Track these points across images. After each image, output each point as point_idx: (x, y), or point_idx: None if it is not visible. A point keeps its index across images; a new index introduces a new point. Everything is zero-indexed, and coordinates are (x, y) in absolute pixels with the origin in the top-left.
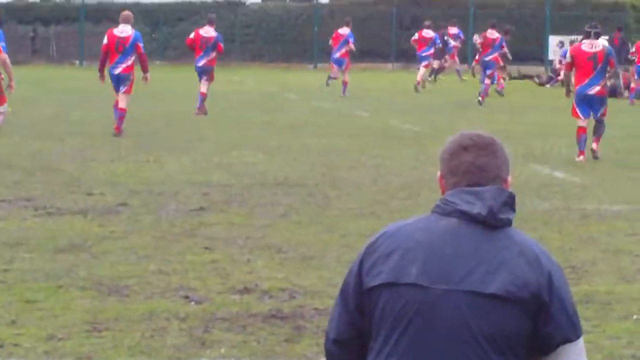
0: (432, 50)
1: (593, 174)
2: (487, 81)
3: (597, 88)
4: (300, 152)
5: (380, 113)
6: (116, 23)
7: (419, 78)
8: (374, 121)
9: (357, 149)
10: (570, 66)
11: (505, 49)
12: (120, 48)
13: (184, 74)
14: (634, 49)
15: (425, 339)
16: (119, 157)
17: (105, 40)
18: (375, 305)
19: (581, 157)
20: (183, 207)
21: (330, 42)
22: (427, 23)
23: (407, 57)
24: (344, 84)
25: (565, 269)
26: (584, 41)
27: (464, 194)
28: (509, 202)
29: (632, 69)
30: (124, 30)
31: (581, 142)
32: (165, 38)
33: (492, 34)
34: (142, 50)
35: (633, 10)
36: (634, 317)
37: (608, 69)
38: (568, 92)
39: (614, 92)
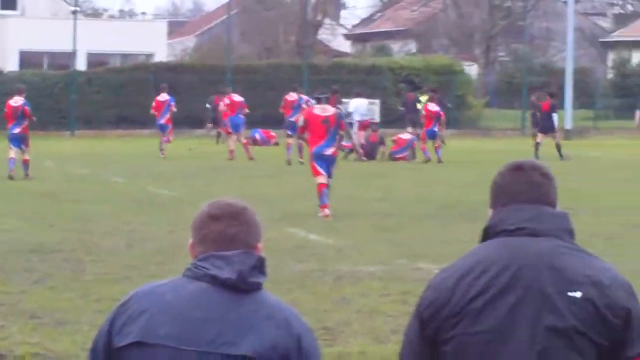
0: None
1: (348, 236)
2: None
3: (332, 149)
4: (56, 219)
5: (137, 179)
6: None
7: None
8: (130, 187)
9: (113, 214)
10: (304, 129)
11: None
12: None
13: None
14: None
15: None
16: None
17: None
18: None
19: (325, 211)
20: None
21: (152, 111)
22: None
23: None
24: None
25: (319, 330)
26: (316, 106)
27: (213, 259)
28: (258, 266)
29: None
30: None
31: (323, 197)
32: None
33: (292, 95)
34: None
35: (390, 72)
36: None
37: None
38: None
39: (373, 154)
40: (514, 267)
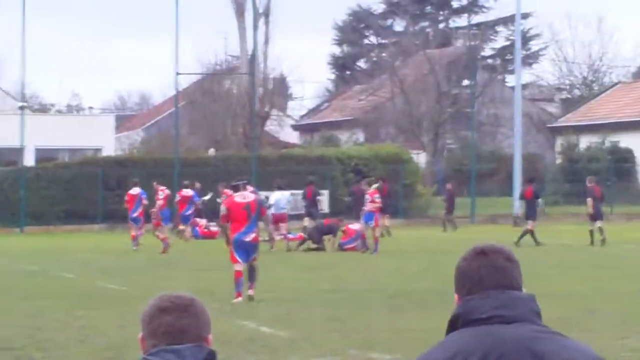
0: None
1: (299, 327)
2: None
3: (253, 235)
4: (7, 315)
5: (87, 274)
6: None
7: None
8: (80, 282)
9: (64, 310)
10: (226, 218)
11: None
12: None
13: None
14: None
15: None
16: None
17: None
18: None
19: (239, 299)
20: None
21: (125, 205)
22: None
23: (114, 218)
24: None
25: None
26: (236, 194)
27: (164, 352)
28: (210, 359)
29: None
30: None
31: (238, 285)
32: None
33: (187, 192)
34: None
35: (338, 162)
36: None
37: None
38: (228, 242)
39: (319, 243)
40: (495, 354)
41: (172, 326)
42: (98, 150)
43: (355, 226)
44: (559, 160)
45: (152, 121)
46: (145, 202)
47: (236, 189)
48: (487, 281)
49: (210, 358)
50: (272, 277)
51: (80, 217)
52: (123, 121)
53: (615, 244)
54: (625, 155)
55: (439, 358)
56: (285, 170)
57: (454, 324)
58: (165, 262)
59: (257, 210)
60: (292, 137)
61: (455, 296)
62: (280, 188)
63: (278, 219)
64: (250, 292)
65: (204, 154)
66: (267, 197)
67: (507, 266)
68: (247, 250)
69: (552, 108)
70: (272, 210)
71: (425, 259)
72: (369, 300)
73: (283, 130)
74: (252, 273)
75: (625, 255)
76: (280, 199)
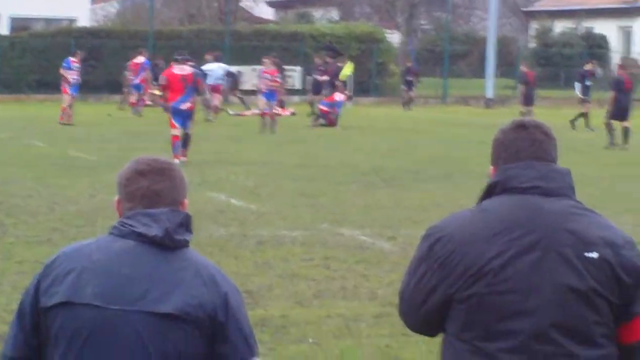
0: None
1: (270, 201)
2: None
3: (188, 104)
4: None
5: (58, 143)
6: None
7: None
8: (51, 151)
9: (34, 177)
10: (165, 87)
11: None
12: None
13: None
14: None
15: (101, 358)
16: None
17: None
18: (51, 325)
19: (176, 161)
20: None
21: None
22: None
23: (86, 88)
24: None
25: (242, 294)
26: (175, 66)
27: (140, 217)
28: (185, 224)
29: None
30: None
31: (175, 148)
32: None
33: (139, 59)
34: None
35: (312, 39)
36: (310, 340)
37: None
38: (167, 109)
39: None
40: (532, 228)
41: (149, 189)
42: (73, 20)
43: (339, 96)
44: (532, 45)
45: None
46: (147, 71)
47: (177, 62)
48: (523, 153)
49: (185, 222)
50: (242, 151)
51: (53, 87)
52: None
53: (583, 129)
54: (599, 42)
55: (475, 224)
56: (258, 45)
57: (491, 191)
58: (136, 134)
59: (193, 82)
60: (266, 13)
61: (491, 168)
62: (217, 59)
63: (212, 90)
64: (183, 158)
65: (177, 27)
66: (239, 72)
67: (544, 140)
68: (183, 117)
69: None
70: (209, 81)
71: (397, 138)
72: (340, 176)
73: (257, 6)
74: (185, 140)
75: (591, 140)
76: (215, 69)
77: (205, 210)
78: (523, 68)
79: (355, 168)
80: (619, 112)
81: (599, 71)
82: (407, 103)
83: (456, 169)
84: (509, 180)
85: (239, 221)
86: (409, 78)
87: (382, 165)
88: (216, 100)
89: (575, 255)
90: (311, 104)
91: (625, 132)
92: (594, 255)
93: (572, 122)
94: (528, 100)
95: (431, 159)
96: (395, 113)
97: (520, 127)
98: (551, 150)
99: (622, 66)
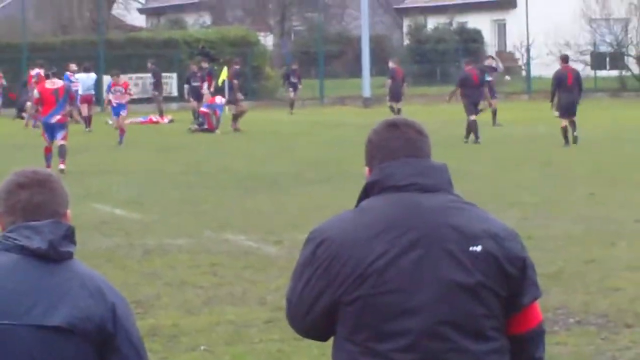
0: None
1: (154, 210)
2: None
3: (59, 117)
4: None
5: None
6: None
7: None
8: None
9: None
10: (38, 100)
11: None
12: None
13: None
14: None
15: None
16: None
17: None
18: None
19: (49, 170)
20: None
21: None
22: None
23: None
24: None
25: (129, 304)
26: (47, 80)
27: (22, 229)
28: (69, 235)
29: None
30: None
31: (47, 159)
32: None
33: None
34: None
35: (186, 45)
36: (201, 348)
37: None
38: (35, 124)
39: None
40: (412, 225)
41: (30, 201)
42: None
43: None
44: (406, 42)
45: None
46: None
47: (48, 77)
48: (398, 152)
49: (69, 234)
50: (123, 160)
51: None
52: None
53: (458, 122)
54: (474, 36)
55: (356, 225)
56: (132, 53)
57: (369, 191)
58: (16, 146)
59: (65, 95)
60: (138, 20)
61: (366, 169)
62: (86, 70)
63: (83, 100)
64: (62, 166)
65: (51, 39)
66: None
67: (417, 138)
68: (53, 130)
69: None
70: (80, 92)
71: (275, 142)
72: (222, 182)
73: (130, 14)
74: (61, 150)
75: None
76: (84, 80)
77: (89, 221)
78: (392, 64)
79: (236, 173)
80: (472, 106)
81: (500, 66)
82: (292, 105)
83: (336, 171)
84: (386, 179)
85: (124, 231)
86: (294, 80)
87: (262, 169)
88: (85, 110)
89: (459, 250)
90: (193, 111)
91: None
92: (478, 248)
93: (494, 121)
94: (396, 96)
95: (310, 161)
96: (273, 116)
97: (392, 126)
98: (425, 147)
99: (468, 62)
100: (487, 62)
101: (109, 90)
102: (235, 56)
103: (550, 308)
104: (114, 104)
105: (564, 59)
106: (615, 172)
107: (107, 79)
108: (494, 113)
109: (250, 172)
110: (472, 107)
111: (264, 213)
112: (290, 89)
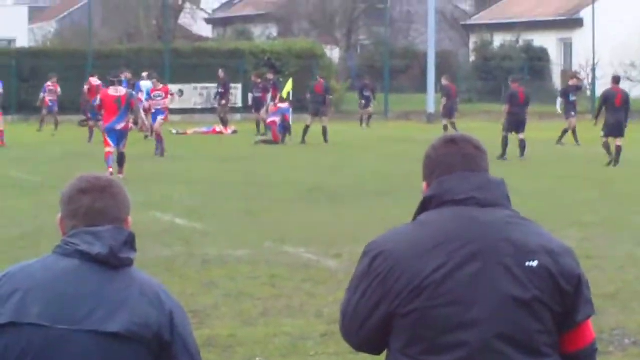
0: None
1: (215, 220)
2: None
3: (123, 124)
4: None
5: (1, 164)
6: None
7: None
8: None
9: None
10: (100, 107)
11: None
12: None
13: None
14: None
15: None
16: None
17: None
18: None
19: (110, 170)
20: None
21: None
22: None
23: (29, 109)
24: None
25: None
26: (110, 87)
27: (84, 235)
28: (129, 242)
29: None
30: None
31: (108, 161)
32: None
33: (95, 80)
34: None
35: (252, 56)
36: (257, 359)
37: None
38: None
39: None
40: (469, 239)
41: (91, 207)
42: (12, 41)
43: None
44: (472, 58)
45: (65, 13)
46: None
47: (112, 83)
48: (456, 168)
49: (129, 240)
50: (185, 169)
51: None
52: (36, 13)
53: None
54: (540, 55)
55: (414, 239)
56: (198, 63)
57: (427, 205)
58: (79, 154)
59: (127, 103)
60: (205, 30)
61: (424, 184)
62: (149, 77)
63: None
64: (120, 175)
65: (116, 46)
66: (180, 91)
67: (475, 153)
68: (117, 137)
69: (466, 6)
70: (144, 99)
71: (339, 154)
72: (284, 193)
73: (196, 24)
74: (120, 159)
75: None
76: (149, 87)
77: (150, 229)
78: (445, 81)
79: (298, 185)
80: (515, 124)
81: (585, 84)
82: (367, 119)
83: (397, 185)
84: (444, 193)
85: (184, 240)
86: (367, 94)
87: (325, 182)
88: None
89: (516, 265)
90: (257, 122)
91: (521, 144)
92: (535, 264)
93: (559, 140)
94: (450, 113)
95: (373, 175)
96: (336, 129)
97: (451, 142)
98: (482, 162)
99: (515, 80)
100: (572, 83)
101: (148, 96)
102: (300, 68)
103: (606, 328)
104: (153, 110)
105: (616, 80)
106: None
107: (174, 88)
108: (573, 131)
109: (312, 184)
110: (511, 126)
111: (325, 226)
112: (363, 102)
